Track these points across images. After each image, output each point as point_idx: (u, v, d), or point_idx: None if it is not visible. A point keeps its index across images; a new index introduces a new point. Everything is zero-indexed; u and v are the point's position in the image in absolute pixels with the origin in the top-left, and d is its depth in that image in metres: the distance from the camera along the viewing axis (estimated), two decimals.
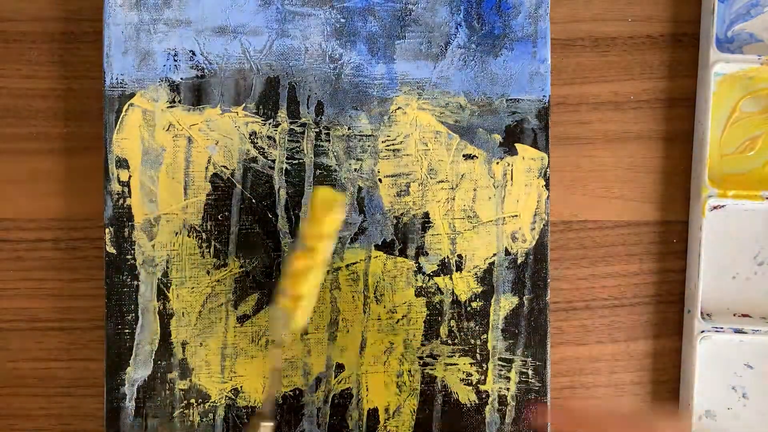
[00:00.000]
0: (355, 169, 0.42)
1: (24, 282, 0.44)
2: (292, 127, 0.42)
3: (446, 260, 0.42)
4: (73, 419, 0.44)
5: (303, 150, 0.42)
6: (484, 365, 0.42)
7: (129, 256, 0.42)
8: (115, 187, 0.42)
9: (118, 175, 0.42)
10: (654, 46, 0.45)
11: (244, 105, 0.42)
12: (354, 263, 0.42)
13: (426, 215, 0.42)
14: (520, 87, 0.42)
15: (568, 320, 0.44)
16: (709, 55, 0.43)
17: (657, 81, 0.44)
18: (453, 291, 0.42)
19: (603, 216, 0.45)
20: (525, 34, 0.42)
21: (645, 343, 0.45)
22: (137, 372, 0.42)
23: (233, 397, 0.42)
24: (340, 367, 0.42)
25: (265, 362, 0.42)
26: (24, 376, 0.44)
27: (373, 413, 0.42)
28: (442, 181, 0.42)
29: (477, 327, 0.42)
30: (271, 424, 0.36)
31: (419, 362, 0.42)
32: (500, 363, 0.42)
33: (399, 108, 0.42)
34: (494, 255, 0.42)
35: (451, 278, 0.42)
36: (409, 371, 0.42)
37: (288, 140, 0.42)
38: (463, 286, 0.42)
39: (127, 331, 0.42)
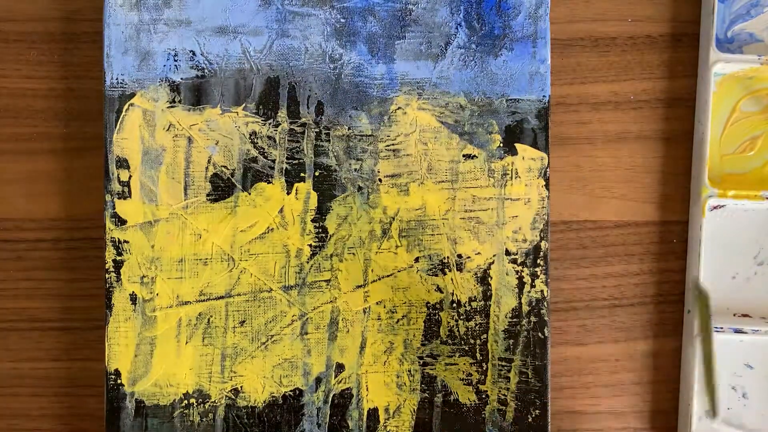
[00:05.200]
0: (355, 169, 0.42)
1: (24, 282, 0.44)
2: (292, 127, 0.42)
3: (446, 260, 0.42)
4: (73, 419, 0.44)
5: (303, 150, 0.42)
6: (484, 365, 0.42)
7: (129, 256, 0.42)
8: (115, 187, 0.42)
9: (118, 175, 0.42)
10: (654, 46, 0.45)
11: (244, 105, 0.42)
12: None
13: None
14: (520, 87, 0.42)
15: (568, 320, 0.45)
16: (709, 55, 0.43)
17: (657, 81, 0.45)
18: (453, 291, 0.42)
19: (603, 216, 0.45)
20: (525, 35, 0.42)
21: (645, 343, 0.45)
22: (137, 372, 0.42)
23: (233, 397, 0.42)
24: (340, 367, 0.42)
25: (265, 362, 0.42)
26: (24, 376, 0.44)
27: (373, 413, 0.42)
28: (442, 181, 0.42)
29: (477, 327, 0.42)
30: None
31: (419, 362, 0.42)
32: (500, 363, 0.42)
33: (399, 108, 0.42)
34: (494, 255, 0.42)
35: (451, 278, 0.42)
36: (409, 371, 0.42)
37: (288, 140, 0.42)
38: (463, 286, 0.42)
39: (127, 331, 0.42)
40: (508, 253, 0.42)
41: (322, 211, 0.42)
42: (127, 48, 0.42)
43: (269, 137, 0.42)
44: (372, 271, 0.42)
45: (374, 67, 0.42)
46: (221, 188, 0.42)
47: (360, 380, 0.42)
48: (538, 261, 0.42)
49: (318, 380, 0.42)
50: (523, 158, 0.42)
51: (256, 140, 0.42)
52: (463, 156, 0.42)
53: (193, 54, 0.42)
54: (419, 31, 0.42)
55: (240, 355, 0.42)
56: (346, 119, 0.42)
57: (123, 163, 0.42)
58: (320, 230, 0.42)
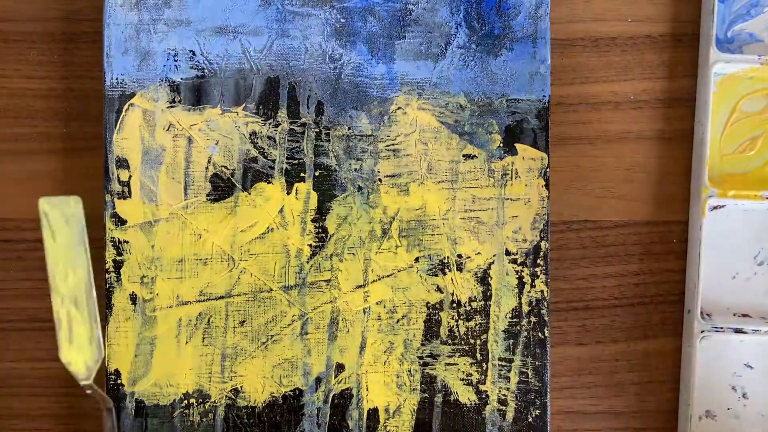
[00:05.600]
0: (355, 169, 0.42)
1: (24, 282, 0.44)
2: (292, 127, 0.42)
3: (446, 260, 0.42)
4: (73, 419, 0.44)
5: (303, 150, 0.42)
6: (484, 365, 0.42)
7: (129, 256, 0.42)
8: (115, 187, 0.42)
9: (118, 175, 0.42)
10: (654, 46, 0.45)
11: (244, 105, 0.42)
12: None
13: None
14: (520, 87, 0.42)
15: (568, 320, 0.44)
16: (709, 55, 0.43)
17: (657, 81, 0.45)
18: (453, 291, 0.42)
19: (603, 216, 0.45)
20: (525, 34, 0.42)
21: (645, 343, 0.45)
22: (137, 372, 0.42)
23: (233, 397, 0.42)
24: (340, 367, 0.42)
25: (265, 362, 0.42)
26: (24, 376, 0.44)
27: (373, 413, 0.42)
28: (442, 181, 0.42)
29: (477, 327, 0.42)
30: None
31: (419, 362, 0.42)
32: (500, 363, 0.42)
33: (399, 108, 0.42)
34: (494, 255, 0.42)
35: (451, 278, 0.42)
36: (409, 371, 0.42)
37: (288, 140, 0.42)
38: (463, 285, 0.42)
39: (127, 331, 0.42)
40: (508, 253, 0.42)
41: (322, 211, 0.42)
42: (127, 48, 0.42)
43: (269, 137, 0.42)
44: (372, 271, 0.42)
45: (374, 67, 0.42)
46: (221, 188, 0.42)
47: (360, 380, 0.42)
48: (538, 261, 0.42)
49: (318, 380, 0.42)
50: (523, 158, 0.42)
51: (256, 140, 0.42)
52: (463, 156, 0.42)
53: (193, 54, 0.42)
54: (419, 31, 0.42)
55: (240, 355, 0.42)
56: (346, 119, 0.42)
57: (123, 163, 0.42)
58: (320, 230, 0.42)
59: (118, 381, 0.41)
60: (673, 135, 0.45)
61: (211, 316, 0.42)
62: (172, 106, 0.42)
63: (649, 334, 0.45)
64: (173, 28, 0.42)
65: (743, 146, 0.44)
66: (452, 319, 0.42)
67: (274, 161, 0.42)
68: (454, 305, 0.42)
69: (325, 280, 0.42)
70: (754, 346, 0.44)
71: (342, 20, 0.42)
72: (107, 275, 0.42)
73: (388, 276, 0.42)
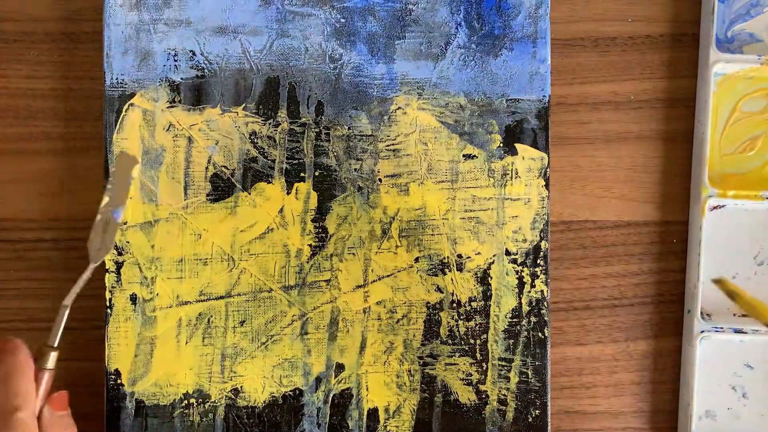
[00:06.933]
0: (355, 169, 0.42)
1: (24, 282, 0.44)
2: (292, 127, 0.42)
3: (446, 260, 0.42)
4: (73, 419, 0.44)
5: (303, 150, 0.42)
6: (484, 365, 0.42)
7: (128, 256, 0.42)
8: None
9: None
10: (654, 46, 0.45)
11: (244, 105, 0.42)
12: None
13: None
14: (520, 87, 0.42)
15: (568, 320, 0.44)
16: (709, 55, 0.43)
17: (657, 81, 0.45)
18: (453, 291, 0.42)
19: (603, 216, 0.45)
20: (525, 34, 0.42)
21: (645, 343, 0.45)
22: (137, 372, 0.42)
23: (233, 397, 0.42)
24: (340, 367, 0.42)
25: (265, 362, 0.42)
26: None
27: (373, 413, 0.42)
28: (442, 181, 0.42)
29: (477, 327, 0.42)
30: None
31: (419, 362, 0.42)
32: (500, 363, 0.42)
33: (399, 108, 0.42)
34: (494, 255, 0.42)
35: (451, 278, 0.42)
36: (409, 371, 0.42)
37: (288, 140, 0.42)
38: (463, 285, 0.42)
39: (127, 331, 0.42)
40: (508, 253, 0.42)
41: (322, 211, 0.42)
42: (127, 48, 0.42)
43: (269, 137, 0.42)
44: (372, 271, 0.42)
45: (374, 67, 0.42)
46: (221, 188, 0.42)
47: (360, 380, 0.42)
48: (538, 261, 0.42)
49: (318, 380, 0.42)
50: (523, 158, 0.42)
51: (256, 140, 0.42)
52: (463, 156, 0.42)
53: (193, 54, 0.42)
54: (419, 31, 0.42)
55: (240, 355, 0.42)
56: (346, 119, 0.42)
57: None
58: (320, 230, 0.42)
59: (118, 381, 0.41)
60: (673, 135, 0.45)
61: (211, 316, 0.42)
62: (172, 106, 0.42)
63: (649, 334, 0.45)
64: (173, 28, 0.42)
65: (743, 146, 0.44)
66: (452, 319, 0.42)
67: (274, 161, 0.42)
68: (454, 305, 0.42)
69: (325, 280, 0.42)
70: (754, 346, 0.44)
71: (342, 20, 0.42)
72: (107, 275, 0.42)
73: (388, 276, 0.42)
